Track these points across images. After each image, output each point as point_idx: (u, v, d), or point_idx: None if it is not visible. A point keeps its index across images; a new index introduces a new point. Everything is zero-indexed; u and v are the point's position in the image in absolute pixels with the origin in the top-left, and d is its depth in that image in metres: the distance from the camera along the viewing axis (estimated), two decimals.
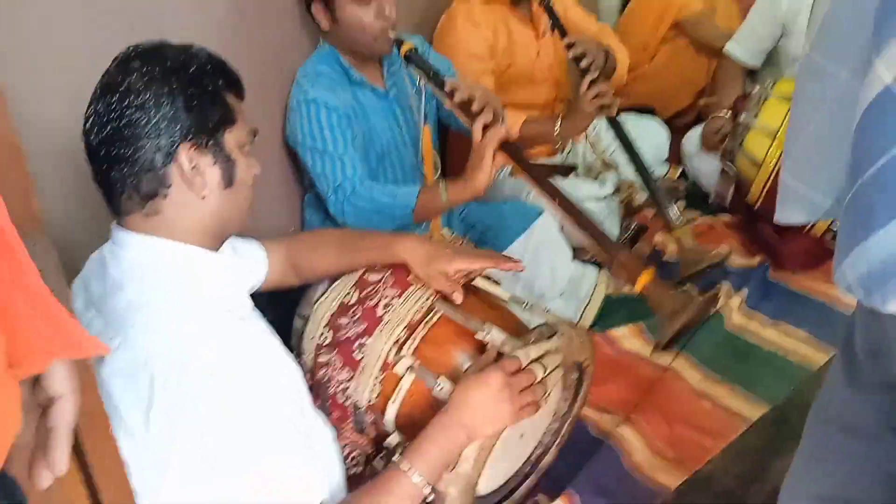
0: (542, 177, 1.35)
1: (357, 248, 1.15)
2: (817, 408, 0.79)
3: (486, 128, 1.32)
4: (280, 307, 1.35)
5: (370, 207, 1.46)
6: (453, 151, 1.94)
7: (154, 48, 0.83)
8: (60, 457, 0.45)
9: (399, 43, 1.48)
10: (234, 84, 0.90)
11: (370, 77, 1.59)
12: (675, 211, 1.72)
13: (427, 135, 1.56)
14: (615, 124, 1.78)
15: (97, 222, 0.92)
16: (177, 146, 0.81)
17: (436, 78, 1.44)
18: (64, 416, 0.46)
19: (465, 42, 1.81)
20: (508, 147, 1.31)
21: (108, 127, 0.79)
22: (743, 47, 2.14)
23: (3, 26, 1.08)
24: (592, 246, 1.31)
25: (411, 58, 1.47)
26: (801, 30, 2.02)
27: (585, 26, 1.98)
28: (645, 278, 1.22)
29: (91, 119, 0.82)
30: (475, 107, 1.35)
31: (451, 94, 1.38)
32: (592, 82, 1.70)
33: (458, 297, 1.06)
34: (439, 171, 1.70)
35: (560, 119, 1.77)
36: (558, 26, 1.81)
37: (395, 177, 1.66)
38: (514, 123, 1.81)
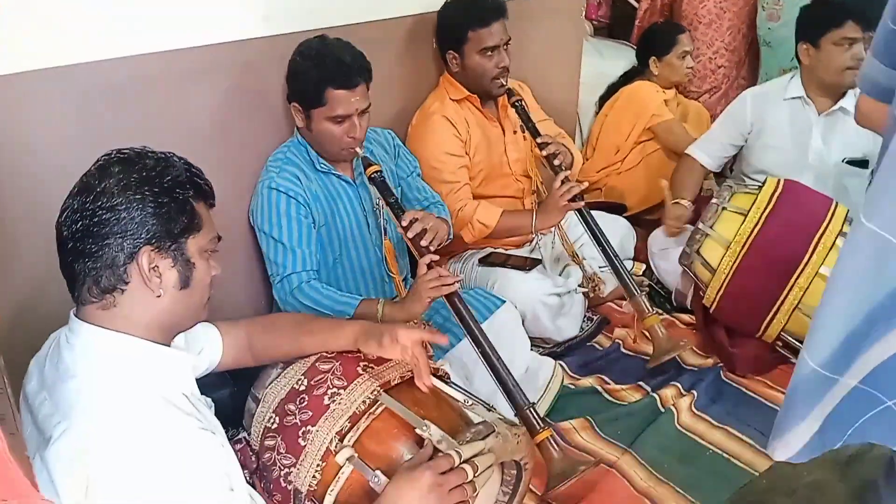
0: (473, 321, 1.48)
1: (310, 332, 1.22)
2: None
3: (430, 265, 1.47)
4: (239, 383, 1.40)
5: (311, 308, 1.55)
6: None
7: (135, 156, 0.90)
8: None
9: (367, 164, 1.57)
10: (205, 194, 0.96)
11: (339, 168, 1.69)
12: (646, 300, 1.85)
13: (389, 247, 1.71)
14: (584, 216, 1.88)
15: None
16: (140, 248, 0.87)
17: (395, 207, 1.55)
18: None
19: (441, 141, 1.93)
20: (451, 296, 1.47)
21: (80, 223, 0.86)
22: (703, 152, 2.28)
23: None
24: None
25: (375, 182, 1.56)
26: (763, 146, 2.17)
27: (545, 128, 2.11)
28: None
29: (66, 213, 0.88)
30: (424, 241, 1.50)
31: (406, 227, 1.50)
32: (564, 180, 1.82)
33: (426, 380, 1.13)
34: (406, 272, 1.82)
35: (535, 214, 1.88)
36: (529, 127, 1.93)
37: (358, 262, 1.74)
38: (492, 216, 1.93)
